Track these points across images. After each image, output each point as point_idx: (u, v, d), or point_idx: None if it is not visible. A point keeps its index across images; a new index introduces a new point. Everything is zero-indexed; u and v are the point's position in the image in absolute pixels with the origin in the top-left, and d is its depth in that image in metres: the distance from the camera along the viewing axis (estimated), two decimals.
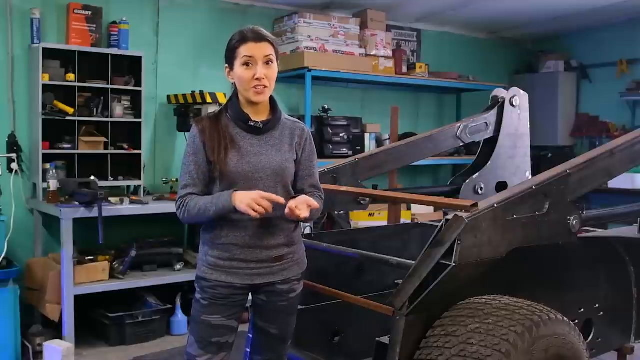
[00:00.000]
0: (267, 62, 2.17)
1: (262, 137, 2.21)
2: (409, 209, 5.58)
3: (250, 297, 2.28)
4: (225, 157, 2.14)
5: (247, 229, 2.16)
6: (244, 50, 2.15)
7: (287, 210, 2.09)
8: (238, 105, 2.22)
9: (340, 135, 5.70)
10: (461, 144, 3.80)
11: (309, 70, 5.32)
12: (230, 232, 2.16)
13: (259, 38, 2.16)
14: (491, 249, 2.01)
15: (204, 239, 2.25)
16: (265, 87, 2.16)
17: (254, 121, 2.20)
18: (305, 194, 2.22)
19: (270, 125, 2.23)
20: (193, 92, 4.78)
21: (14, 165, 4.30)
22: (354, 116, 5.99)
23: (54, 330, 4.11)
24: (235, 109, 2.22)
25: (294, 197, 2.18)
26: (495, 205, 2.03)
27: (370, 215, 5.34)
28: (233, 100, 2.24)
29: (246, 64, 2.15)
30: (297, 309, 2.33)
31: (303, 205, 2.09)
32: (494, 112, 3.78)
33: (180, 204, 2.18)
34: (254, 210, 2.02)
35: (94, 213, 4.03)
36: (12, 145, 4.43)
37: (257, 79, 2.14)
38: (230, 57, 2.20)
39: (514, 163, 3.80)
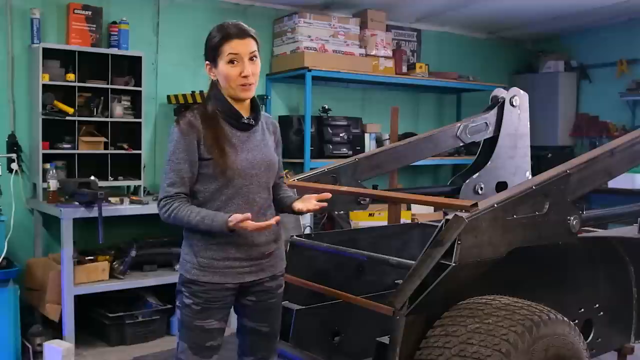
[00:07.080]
0: (252, 58, 2.15)
1: (249, 133, 2.21)
2: (409, 209, 5.57)
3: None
4: (224, 154, 2.11)
5: None
6: (229, 48, 2.11)
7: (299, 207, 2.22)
8: (227, 103, 2.18)
9: (340, 135, 5.70)
10: (461, 144, 3.81)
11: (309, 70, 5.32)
12: None
13: (243, 34, 2.13)
14: (491, 249, 2.01)
15: (191, 240, 2.19)
16: (251, 83, 2.15)
17: (248, 118, 2.20)
18: (277, 185, 2.35)
19: (255, 121, 2.23)
20: (193, 92, 4.78)
21: (14, 165, 4.31)
22: (354, 116, 5.99)
23: (54, 330, 4.11)
24: (225, 106, 2.18)
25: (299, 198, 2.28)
26: (495, 205, 2.03)
27: (370, 215, 5.33)
28: (219, 98, 2.19)
29: (231, 61, 2.12)
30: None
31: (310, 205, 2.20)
32: (494, 112, 3.78)
33: (166, 203, 2.10)
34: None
35: (94, 213, 4.03)
36: (12, 145, 4.43)
37: (244, 76, 2.12)
38: (212, 55, 2.15)
39: (514, 163, 3.81)
